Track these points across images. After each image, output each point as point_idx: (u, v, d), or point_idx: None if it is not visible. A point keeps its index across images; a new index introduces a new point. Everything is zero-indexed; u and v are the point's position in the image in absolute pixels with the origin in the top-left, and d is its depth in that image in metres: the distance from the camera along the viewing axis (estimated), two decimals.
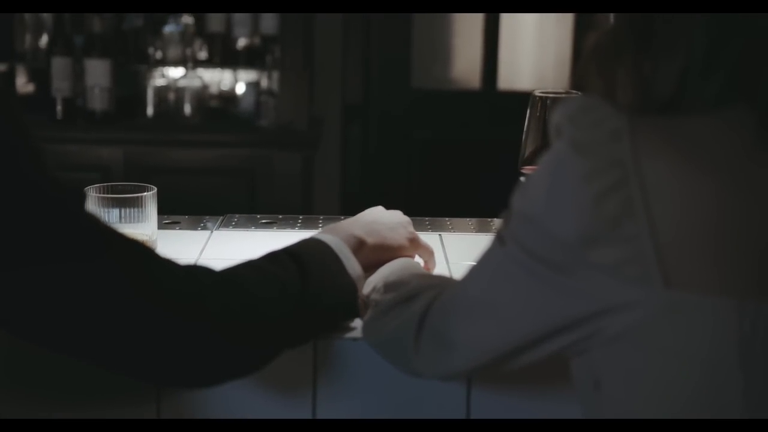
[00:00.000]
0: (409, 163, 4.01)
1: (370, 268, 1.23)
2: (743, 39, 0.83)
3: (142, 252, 0.94)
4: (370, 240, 1.22)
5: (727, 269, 0.79)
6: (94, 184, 1.42)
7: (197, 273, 0.98)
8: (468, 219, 1.74)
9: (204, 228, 1.65)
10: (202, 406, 1.18)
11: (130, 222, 1.41)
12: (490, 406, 1.18)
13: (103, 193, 1.41)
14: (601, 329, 0.84)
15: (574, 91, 1.33)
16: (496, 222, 1.73)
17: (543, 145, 1.33)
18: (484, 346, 0.93)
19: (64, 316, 0.88)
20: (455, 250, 1.53)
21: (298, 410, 1.18)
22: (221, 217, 1.70)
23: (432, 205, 3.61)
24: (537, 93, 1.34)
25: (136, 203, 1.41)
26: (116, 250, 0.91)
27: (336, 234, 1.19)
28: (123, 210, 1.40)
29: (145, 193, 1.42)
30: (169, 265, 0.96)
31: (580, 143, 0.82)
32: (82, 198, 0.91)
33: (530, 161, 1.34)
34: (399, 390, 1.17)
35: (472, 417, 1.18)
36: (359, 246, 1.20)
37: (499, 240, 0.91)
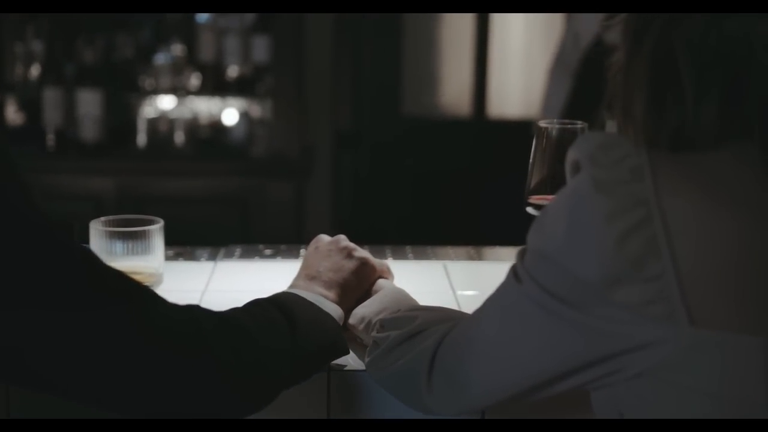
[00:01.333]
0: (400, 190, 4.02)
1: (347, 310, 1.23)
2: (728, 74, 0.83)
3: (144, 296, 0.92)
4: (331, 294, 1.22)
5: (752, 307, 0.79)
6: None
7: (199, 317, 0.96)
8: (471, 247, 1.75)
9: (208, 259, 1.64)
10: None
11: (136, 255, 1.41)
12: (504, 406, 1.17)
13: (110, 227, 1.41)
14: (624, 367, 0.83)
15: (578, 122, 1.34)
16: (499, 250, 1.74)
17: (549, 175, 1.33)
18: (501, 384, 0.92)
19: (63, 362, 0.87)
20: (460, 279, 1.54)
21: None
22: (223, 248, 1.70)
23: (422, 231, 3.62)
24: (542, 123, 1.35)
25: (143, 236, 1.41)
26: (117, 295, 0.89)
27: (304, 290, 1.19)
28: (130, 243, 1.40)
29: (152, 227, 1.42)
30: (170, 311, 0.94)
31: (600, 182, 0.82)
32: (74, 234, 0.89)
33: (536, 191, 1.34)
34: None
35: (487, 417, 1.17)
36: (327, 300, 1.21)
37: (515, 277, 0.90)
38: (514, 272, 0.90)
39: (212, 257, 1.66)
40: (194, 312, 0.96)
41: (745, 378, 0.79)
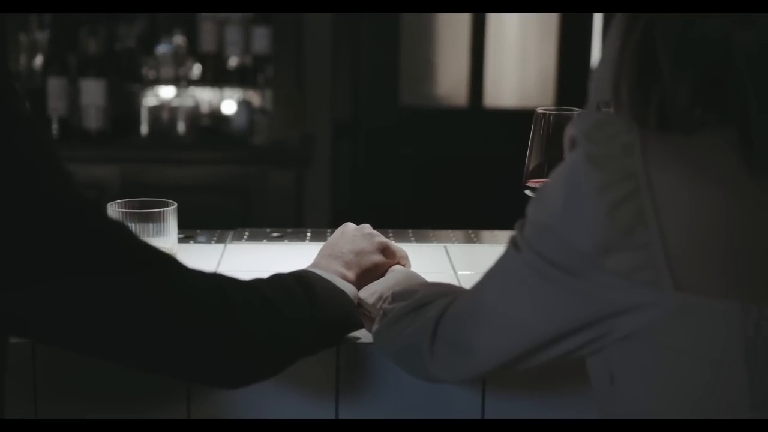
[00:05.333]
0: (397, 178, 4.08)
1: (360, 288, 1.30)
2: (703, 64, 0.89)
3: (171, 265, 0.98)
4: (350, 274, 1.28)
5: (732, 275, 0.86)
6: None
7: (225, 286, 1.02)
8: (471, 231, 1.81)
9: (217, 242, 1.71)
10: (230, 406, 1.25)
11: (151, 236, 1.47)
12: (504, 406, 1.24)
13: (125, 208, 1.47)
14: (614, 329, 0.90)
15: (575, 108, 1.41)
16: (497, 233, 1.80)
17: (546, 159, 1.40)
18: (500, 349, 0.98)
19: (96, 325, 0.93)
20: (460, 260, 1.60)
21: (322, 411, 1.25)
22: (232, 231, 1.76)
23: (419, 218, 3.68)
24: (540, 110, 1.42)
25: (158, 218, 1.47)
26: (146, 264, 0.95)
27: (322, 269, 1.26)
28: (145, 224, 1.46)
29: (166, 208, 1.48)
30: (196, 279, 1.00)
31: (595, 156, 0.88)
32: (105, 212, 0.94)
33: (534, 175, 1.41)
34: (416, 392, 1.24)
35: (487, 417, 1.24)
36: (344, 279, 1.27)
37: (514, 247, 0.96)
38: (513, 242, 0.97)
39: (221, 240, 1.72)
40: (220, 281, 1.02)
41: (724, 340, 0.86)
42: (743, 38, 0.88)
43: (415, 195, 4.05)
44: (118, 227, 0.95)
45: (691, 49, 0.89)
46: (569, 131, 0.93)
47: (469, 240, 1.76)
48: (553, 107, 1.41)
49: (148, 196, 1.54)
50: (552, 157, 1.39)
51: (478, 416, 1.25)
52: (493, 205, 4.02)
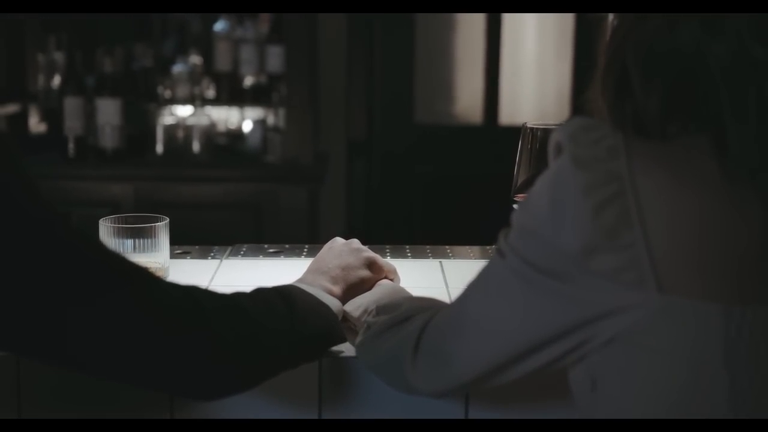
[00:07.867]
0: (412, 196, 4.08)
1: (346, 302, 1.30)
2: (674, 76, 0.90)
3: (143, 276, 0.98)
4: (336, 288, 1.29)
5: (714, 278, 0.87)
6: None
7: (197, 295, 1.02)
8: (468, 247, 1.81)
9: (214, 257, 1.71)
10: (213, 408, 1.24)
11: (143, 251, 1.48)
12: (487, 406, 1.24)
13: (117, 224, 1.48)
14: (597, 334, 0.90)
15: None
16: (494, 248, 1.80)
17: (535, 174, 1.39)
18: (482, 358, 0.99)
19: (75, 340, 0.93)
20: (455, 276, 1.60)
21: (305, 413, 1.25)
22: (230, 247, 1.77)
23: (433, 237, 3.68)
24: (528, 125, 1.42)
25: (149, 233, 1.48)
26: (122, 275, 0.95)
27: (307, 283, 1.26)
28: (136, 240, 1.48)
29: (158, 224, 1.49)
30: (168, 287, 1.00)
31: (580, 159, 0.89)
32: (74, 225, 0.95)
33: (522, 190, 1.40)
34: (399, 406, 1.23)
35: (470, 417, 1.24)
36: (330, 294, 1.27)
37: (499, 254, 0.96)
38: (498, 250, 0.97)
39: (219, 255, 1.72)
40: (192, 290, 1.02)
41: (706, 341, 0.87)
42: (717, 49, 0.89)
43: (430, 213, 4.05)
44: (89, 239, 0.96)
45: (660, 62, 0.91)
46: (555, 137, 0.94)
47: (465, 256, 1.76)
48: (541, 122, 1.41)
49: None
50: (540, 171, 1.38)
51: (461, 416, 1.24)
52: (507, 221, 4.02)
